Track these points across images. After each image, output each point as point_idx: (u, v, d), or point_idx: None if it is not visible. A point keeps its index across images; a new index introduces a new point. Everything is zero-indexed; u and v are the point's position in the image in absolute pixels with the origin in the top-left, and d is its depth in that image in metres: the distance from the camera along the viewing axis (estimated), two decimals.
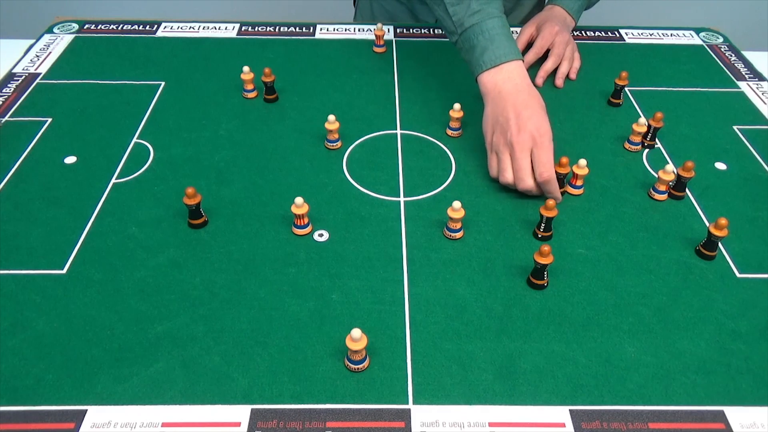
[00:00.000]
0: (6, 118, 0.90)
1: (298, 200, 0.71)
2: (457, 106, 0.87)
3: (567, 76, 1.03)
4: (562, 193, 0.80)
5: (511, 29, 1.14)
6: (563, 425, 0.56)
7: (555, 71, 1.03)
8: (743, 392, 0.59)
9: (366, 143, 0.88)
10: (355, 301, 0.66)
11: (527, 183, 0.76)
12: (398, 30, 1.14)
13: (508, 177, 0.77)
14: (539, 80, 1.01)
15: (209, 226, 0.75)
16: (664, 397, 0.58)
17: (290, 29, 1.14)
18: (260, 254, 0.71)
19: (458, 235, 0.73)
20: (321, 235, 0.74)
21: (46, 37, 1.10)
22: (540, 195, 0.78)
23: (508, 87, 0.79)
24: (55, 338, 0.62)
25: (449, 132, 0.90)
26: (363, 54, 1.08)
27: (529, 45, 1.06)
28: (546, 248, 0.64)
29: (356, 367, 0.59)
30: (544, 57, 1.03)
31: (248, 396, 0.57)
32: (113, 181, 0.81)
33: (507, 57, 0.79)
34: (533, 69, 1.03)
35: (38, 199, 0.77)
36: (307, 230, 0.73)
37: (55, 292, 0.66)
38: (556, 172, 0.78)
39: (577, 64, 1.04)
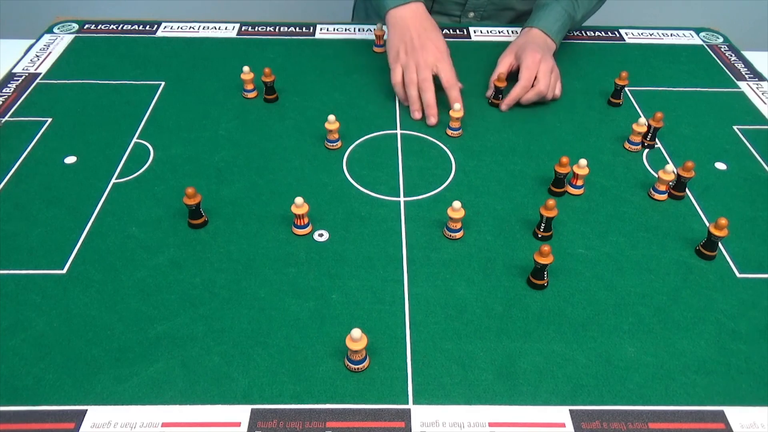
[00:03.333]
0: (6, 118, 0.90)
1: (298, 200, 0.71)
2: (457, 105, 0.87)
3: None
4: (563, 193, 0.80)
5: (502, 29, 1.14)
6: (563, 425, 0.56)
7: None
8: (743, 392, 0.59)
9: (366, 143, 0.88)
10: (355, 301, 0.66)
11: (431, 92, 0.90)
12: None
13: (413, 91, 0.91)
14: (504, 107, 0.95)
15: (209, 226, 0.75)
16: (664, 397, 0.58)
17: (290, 29, 1.14)
18: (260, 254, 0.71)
19: (458, 235, 0.73)
20: (321, 235, 0.74)
21: (46, 37, 1.10)
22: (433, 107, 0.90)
23: (410, 16, 0.95)
24: (55, 338, 0.62)
25: (449, 132, 0.90)
26: (363, 54, 1.08)
27: (511, 72, 0.98)
28: (546, 248, 0.64)
29: (356, 367, 0.59)
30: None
31: (248, 396, 0.57)
32: (113, 181, 0.81)
33: None
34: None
35: (38, 199, 0.77)
36: (307, 230, 0.73)
37: (55, 292, 0.66)
38: (556, 171, 0.78)
39: (558, 94, 0.97)
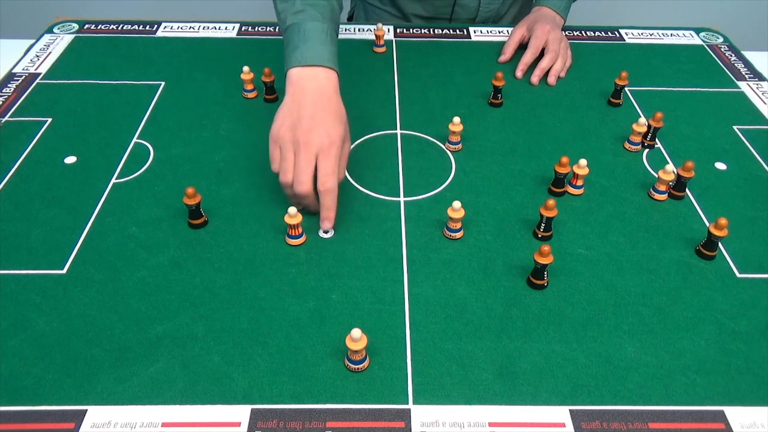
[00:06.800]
0: (6, 118, 0.90)
1: (292, 210, 0.70)
2: (456, 119, 0.84)
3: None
4: (563, 193, 0.80)
5: (502, 29, 1.15)
6: (563, 425, 0.56)
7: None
8: (743, 392, 0.59)
9: (366, 143, 0.88)
10: (355, 301, 0.66)
11: (304, 187, 0.70)
12: (398, 30, 1.14)
13: (287, 177, 0.71)
14: (534, 79, 1.01)
15: (209, 226, 0.75)
16: (664, 397, 0.58)
17: None
18: (260, 254, 0.71)
19: (458, 235, 0.73)
20: (326, 232, 0.73)
21: (46, 37, 1.10)
22: (315, 209, 0.73)
23: (312, 86, 0.75)
24: (55, 338, 0.62)
25: (448, 146, 0.87)
26: (363, 54, 1.08)
27: (521, 46, 1.07)
28: (546, 248, 0.64)
29: (356, 367, 0.59)
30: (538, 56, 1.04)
31: (248, 396, 0.58)
32: (113, 181, 0.81)
33: (316, 61, 0.75)
34: (529, 68, 1.03)
35: (38, 199, 0.77)
36: (301, 240, 0.72)
37: (55, 292, 0.66)
38: (556, 171, 0.78)
39: (569, 62, 1.05)
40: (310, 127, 0.71)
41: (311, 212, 0.74)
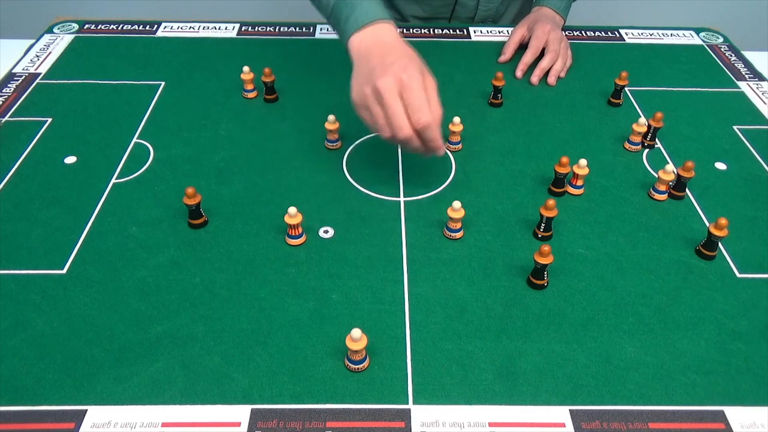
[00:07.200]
0: (6, 118, 0.90)
1: (292, 210, 0.69)
2: (456, 119, 0.85)
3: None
4: (563, 193, 0.80)
5: (502, 29, 1.15)
6: (563, 425, 0.56)
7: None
8: (743, 392, 0.59)
9: (366, 143, 0.88)
10: (355, 301, 0.66)
11: (404, 131, 0.68)
12: (398, 30, 1.14)
13: (387, 132, 0.70)
14: (534, 79, 1.01)
15: (209, 226, 0.75)
16: (664, 397, 0.58)
17: (290, 29, 1.14)
18: (260, 254, 0.71)
19: (458, 235, 0.73)
20: (326, 232, 0.73)
21: (46, 37, 1.10)
22: (424, 151, 0.72)
23: (373, 41, 0.75)
24: (55, 338, 0.62)
25: (448, 146, 0.87)
26: None
27: (521, 46, 1.07)
28: (546, 248, 0.64)
29: (356, 367, 0.59)
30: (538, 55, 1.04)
31: (248, 396, 0.57)
32: (113, 181, 0.81)
33: (368, 19, 0.75)
34: (529, 68, 1.03)
35: (38, 199, 0.77)
36: (301, 240, 0.72)
37: (55, 292, 0.66)
38: (556, 171, 0.78)
39: (569, 62, 1.05)
40: (381, 72, 0.69)
41: (424, 153, 0.73)
